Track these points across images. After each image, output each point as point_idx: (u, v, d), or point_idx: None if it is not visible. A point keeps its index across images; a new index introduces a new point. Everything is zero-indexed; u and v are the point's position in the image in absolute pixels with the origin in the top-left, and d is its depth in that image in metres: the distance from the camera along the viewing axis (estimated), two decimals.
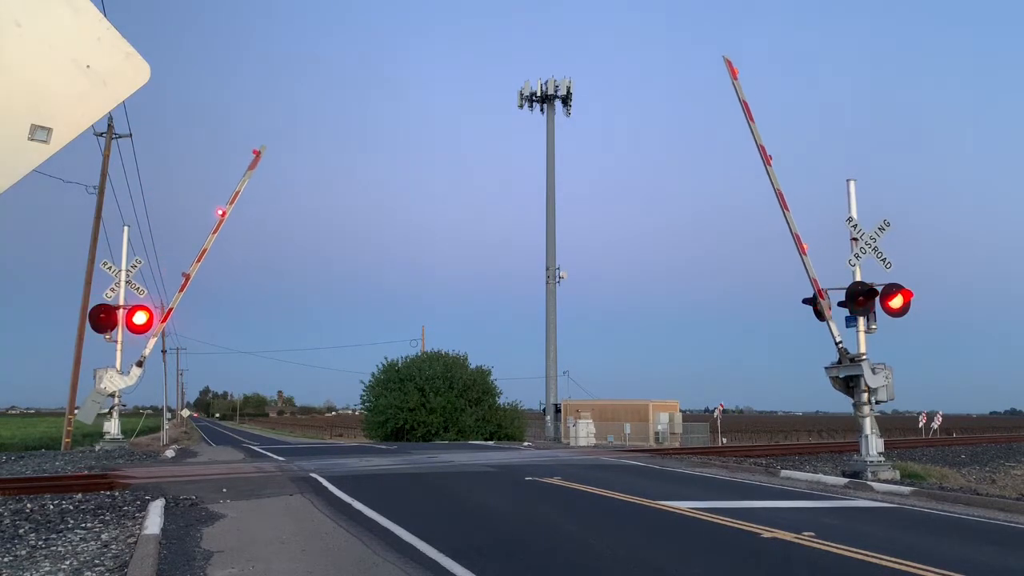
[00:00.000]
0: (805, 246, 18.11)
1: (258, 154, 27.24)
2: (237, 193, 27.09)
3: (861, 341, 17.36)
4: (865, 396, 17.10)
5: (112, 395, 24.69)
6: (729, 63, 18.83)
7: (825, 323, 17.85)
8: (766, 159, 18.57)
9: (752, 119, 18.83)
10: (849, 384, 17.40)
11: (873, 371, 16.99)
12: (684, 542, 9.08)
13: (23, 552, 8.29)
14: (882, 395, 17.22)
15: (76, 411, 24.99)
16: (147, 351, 26.31)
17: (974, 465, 24.63)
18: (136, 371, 25.26)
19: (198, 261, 26.65)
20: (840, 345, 17.53)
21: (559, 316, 44.23)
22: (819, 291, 17.89)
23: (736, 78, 18.70)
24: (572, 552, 8.35)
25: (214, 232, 26.84)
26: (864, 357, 17.10)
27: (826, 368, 17.75)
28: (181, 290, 26.79)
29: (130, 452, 24.20)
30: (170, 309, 27.98)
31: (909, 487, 14.66)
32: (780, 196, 18.38)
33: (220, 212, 26.79)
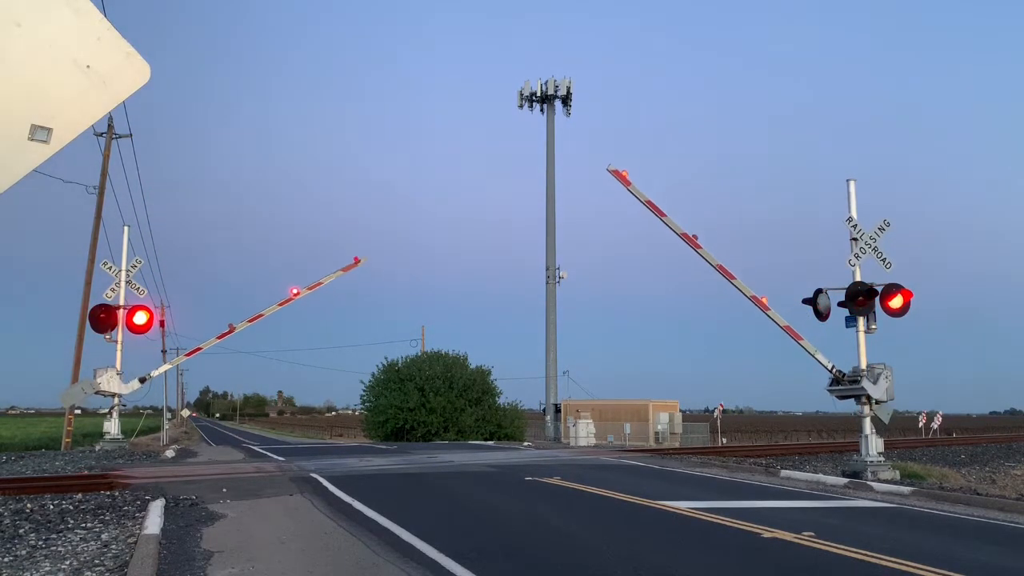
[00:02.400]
0: (764, 300, 18.16)
1: (357, 262, 29.00)
2: (320, 284, 28.50)
3: (861, 342, 17.37)
4: (865, 397, 17.19)
5: (111, 395, 24.70)
6: (615, 173, 18.40)
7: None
8: (693, 244, 18.37)
9: (663, 214, 18.44)
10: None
11: (875, 381, 17.03)
12: (684, 542, 9.09)
13: (23, 552, 8.29)
14: (883, 397, 17.34)
15: (62, 395, 25.01)
16: (155, 373, 26.61)
17: (974, 465, 24.61)
18: (135, 383, 25.30)
19: (250, 321, 27.67)
20: (835, 370, 17.63)
21: (559, 316, 44.27)
22: (795, 336, 18.01)
23: (629, 184, 18.22)
24: (572, 552, 8.35)
25: (279, 305, 27.93)
26: (863, 374, 17.16)
27: (828, 389, 17.83)
28: (219, 337, 27.69)
29: (130, 452, 24.21)
30: (199, 348, 28.71)
31: (909, 487, 14.66)
32: (722, 270, 18.35)
33: (294, 292, 27.80)
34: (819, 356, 17.83)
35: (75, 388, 25.14)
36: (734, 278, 18.08)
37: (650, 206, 18.30)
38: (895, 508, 12.37)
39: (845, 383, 17.33)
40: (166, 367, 30.30)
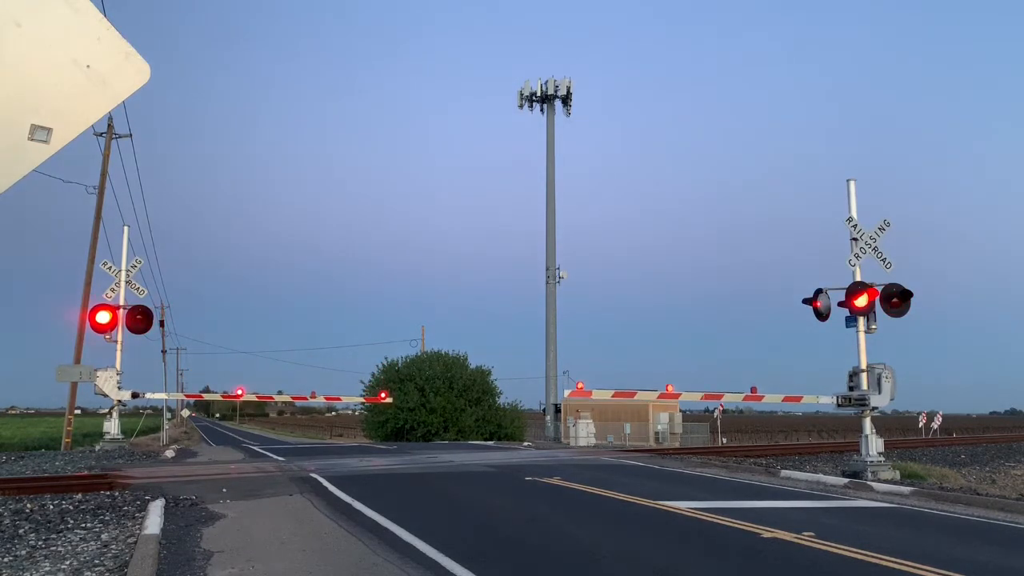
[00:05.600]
0: (755, 390, 19.04)
1: (382, 397, 33.29)
2: (339, 399, 33.38)
3: (861, 342, 17.38)
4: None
5: (103, 395, 24.68)
6: (574, 395, 20.31)
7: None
8: (673, 396, 20.15)
9: (633, 394, 20.72)
10: None
11: (879, 390, 17.21)
12: (684, 542, 9.08)
13: (23, 552, 8.29)
14: (886, 402, 17.61)
15: (59, 367, 24.97)
16: (150, 395, 26.87)
17: (974, 465, 24.62)
18: (127, 394, 25.24)
19: (259, 398, 30.91)
20: (839, 398, 17.95)
21: (559, 316, 44.24)
22: (794, 400, 18.98)
23: (590, 395, 20.20)
24: (572, 552, 8.35)
25: (293, 398, 31.64)
26: (867, 391, 17.37)
27: (839, 406, 18.12)
28: (225, 396, 31.75)
29: (130, 452, 24.19)
30: (201, 396, 30.68)
31: (909, 487, 14.65)
32: (708, 397, 19.94)
33: (312, 395, 29.63)
34: (822, 399, 18.54)
35: (74, 368, 25.14)
36: (721, 396, 19.27)
37: (617, 395, 20.39)
38: (895, 508, 12.37)
39: (853, 403, 17.62)
40: (162, 395, 30.73)
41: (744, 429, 78.81)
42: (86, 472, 16.60)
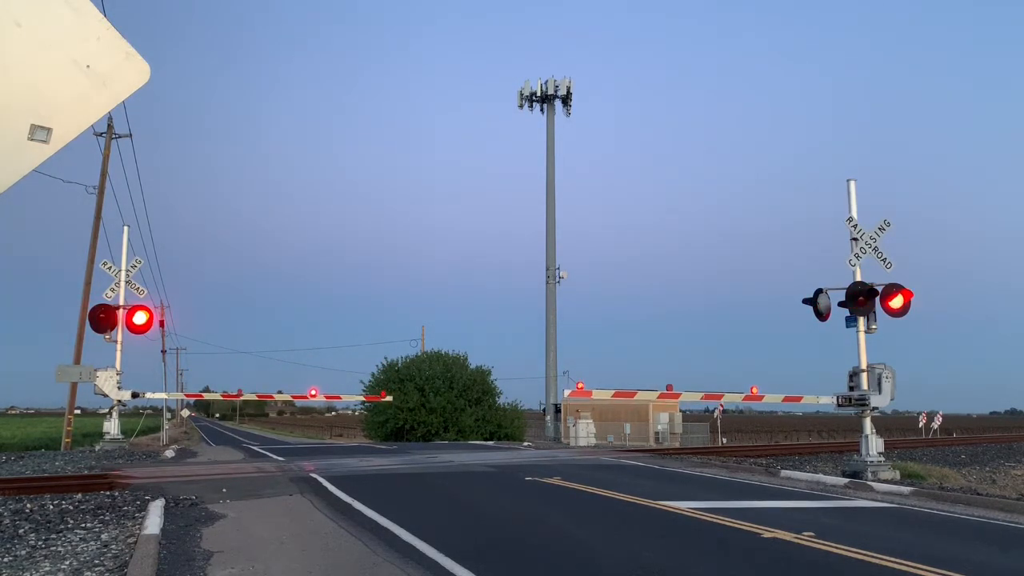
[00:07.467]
0: (755, 390, 19.61)
1: (382, 396, 33.82)
2: (339, 397, 34.17)
3: (861, 342, 17.38)
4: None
5: (103, 395, 24.68)
6: (575, 394, 20.90)
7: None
8: (673, 396, 20.57)
9: (633, 394, 21.25)
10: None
11: (879, 389, 17.29)
12: (684, 542, 9.08)
13: (23, 552, 8.29)
14: (886, 402, 17.68)
15: (59, 367, 24.90)
16: (150, 395, 26.87)
17: (974, 465, 24.60)
18: (127, 394, 25.23)
19: (259, 397, 32.14)
20: (839, 398, 18.07)
21: (559, 316, 44.28)
22: (794, 399, 19.36)
23: (591, 395, 20.94)
24: (572, 552, 8.35)
25: (293, 396, 33.03)
26: (867, 392, 17.46)
27: (839, 406, 18.21)
28: (225, 396, 34.28)
29: (130, 452, 24.19)
30: (201, 395, 30.76)
31: (909, 487, 14.65)
32: (708, 397, 20.69)
33: (312, 393, 29.85)
34: (822, 399, 18.69)
35: (74, 368, 25.16)
36: (721, 397, 19.67)
37: (617, 395, 20.70)
38: (895, 508, 12.37)
39: (853, 403, 17.63)
40: (162, 395, 30.60)
41: (744, 429, 78.81)
42: (86, 472, 16.60)
